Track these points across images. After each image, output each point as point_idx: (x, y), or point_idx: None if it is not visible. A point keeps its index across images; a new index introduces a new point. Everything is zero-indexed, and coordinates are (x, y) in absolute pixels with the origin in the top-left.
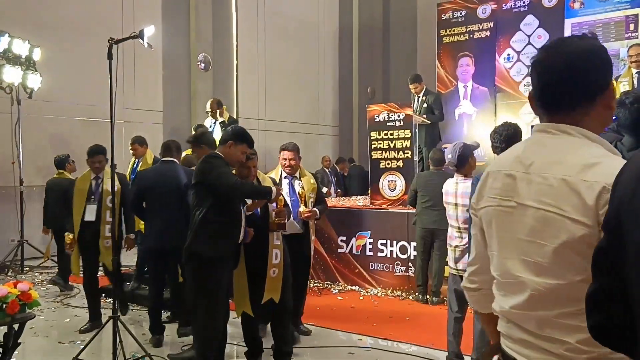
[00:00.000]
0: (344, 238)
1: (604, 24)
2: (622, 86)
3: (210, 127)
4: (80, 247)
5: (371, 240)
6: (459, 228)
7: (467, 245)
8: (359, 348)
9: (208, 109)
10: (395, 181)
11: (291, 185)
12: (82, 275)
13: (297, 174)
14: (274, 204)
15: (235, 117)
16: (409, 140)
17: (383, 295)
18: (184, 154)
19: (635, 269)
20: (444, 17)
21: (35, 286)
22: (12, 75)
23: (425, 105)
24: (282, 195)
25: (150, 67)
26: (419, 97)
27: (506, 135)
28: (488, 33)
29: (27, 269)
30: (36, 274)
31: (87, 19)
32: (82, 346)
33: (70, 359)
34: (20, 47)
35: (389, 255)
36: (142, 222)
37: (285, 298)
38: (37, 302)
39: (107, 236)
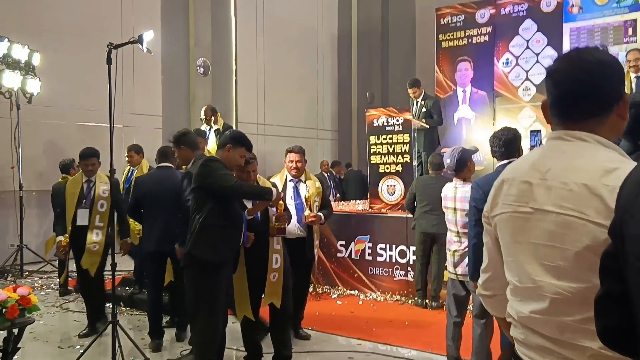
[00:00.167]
0: (343, 242)
1: (602, 29)
2: None
3: (205, 134)
4: (74, 252)
5: (370, 244)
6: (457, 232)
7: (466, 250)
8: (358, 353)
9: (202, 115)
10: (394, 185)
11: (296, 189)
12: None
13: (302, 178)
14: (274, 209)
15: (234, 120)
16: (408, 145)
17: (382, 300)
18: None
19: (635, 274)
20: (443, 22)
21: (35, 291)
22: (12, 80)
23: (424, 109)
24: (282, 199)
25: (149, 72)
26: (417, 101)
27: (505, 139)
28: (487, 37)
29: (27, 273)
30: (35, 278)
31: (87, 24)
32: (82, 351)
33: None
34: (20, 52)
35: (388, 259)
36: (138, 227)
37: (285, 303)
38: (36, 306)
39: (94, 241)
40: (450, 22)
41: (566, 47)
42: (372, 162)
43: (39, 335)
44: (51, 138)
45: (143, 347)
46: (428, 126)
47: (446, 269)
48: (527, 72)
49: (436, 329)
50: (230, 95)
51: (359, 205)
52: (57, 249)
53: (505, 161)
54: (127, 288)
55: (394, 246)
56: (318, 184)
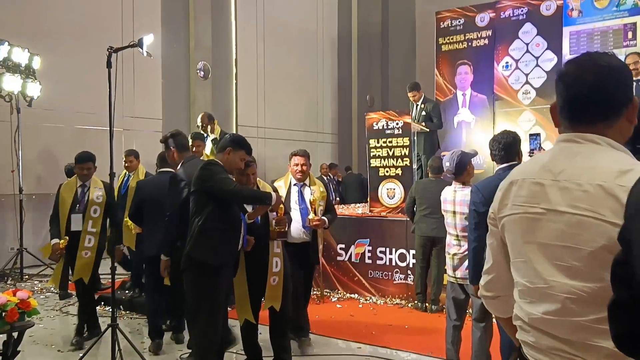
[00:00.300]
0: (343, 246)
1: (602, 32)
2: None
3: (203, 137)
4: (69, 257)
5: (370, 248)
6: (457, 236)
7: (465, 253)
8: (358, 356)
9: (199, 123)
10: (394, 189)
11: (300, 193)
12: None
13: (307, 182)
14: (275, 213)
15: (234, 124)
16: (408, 148)
17: (382, 303)
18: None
19: None
20: (443, 25)
21: (35, 294)
22: (12, 83)
23: (423, 113)
24: (283, 203)
25: (149, 75)
26: (417, 105)
27: (505, 143)
28: (486, 41)
29: (27, 277)
30: (35, 282)
31: (87, 28)
32: (81, 354)
33: None
34: (20, 56)
35: (388, 263)
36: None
37: (285, 307)
38: (36, 310)
39: (87, 247)
40: (450, 25)
41: (566, 50)
42: (372, 165)
43: (38, 338)
44: (51, 141)
45: (142, 351)
46: (428, 130)
47: (446, 273)
48: (526, 75)
49: (436, 333)
50: (230, 98)
51: (359, 209)
52: (53, 251)
53: (505, 165)
54: (127, 292)
55: (393, 249)
56: (322, 188)
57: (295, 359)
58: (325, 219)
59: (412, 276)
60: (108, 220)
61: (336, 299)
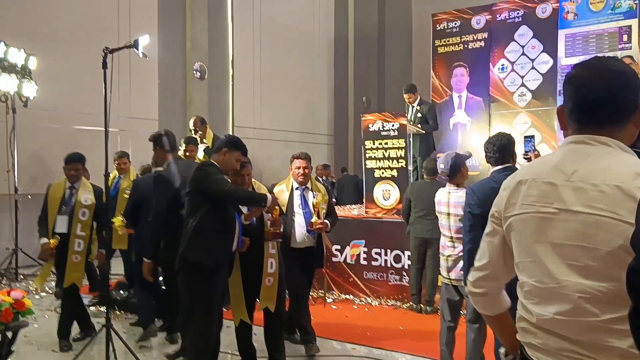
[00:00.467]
0: (339, 247)
1: (597, 35)
2: None
3: (197, 142)
4: (58, 259)
5: (365, 249)
6: (451, 237)
7: (459, 255)
8: (353, 357)
9: (191, 126)
10: (390, 190)
11: (303, 197)
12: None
13: (309, 185)
14: (270, 214)
15: (231, 125)
16: (404, 150)
17: (377, 305)
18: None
19: None
20: (439, 28)
21: (29, 294)
22: (8, 83)
23: (419, 114)
24: (278, 204)
25: (146, 76)
26: (413, 106)
27: (499, 145)
28: (482, 43)
29: (22, 277)
30: (30, 282)
31: (83, 28)
32: (76, 354)
33: None
34: (16, 56)
35: (383, 264)
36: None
37: (280, 307)
38: (30, 310)
39: (77, 251)
40: (446, 27)
41: (561, 53)
42: (367, 166)
43: (33, 339)
44: (47, 142)
45: (137, 351)
46: (423, 131)
47: (440, 274)
48: (522, 77)
49: (430, 334)
50: (227, 99)
51: (354, 210)
52: (43, 251)
53: (500, 167)
54: (122, 292)
55: (388, 251)
56: (324, 190)
57: (289, 359)
58: (328, 222)
59: (407, 277)
60: (95, 224)
61: (331, 300)
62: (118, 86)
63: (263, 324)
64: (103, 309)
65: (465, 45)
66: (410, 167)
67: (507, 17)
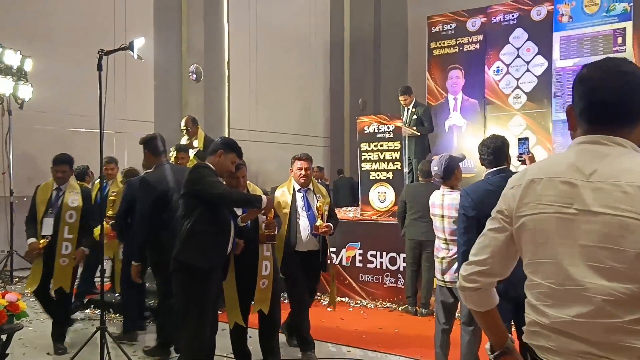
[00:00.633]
0: (334, 249)
1: (592, 38)
2: None
3: (188, 150)
4: (46, 261)
5: (361, 251)
6: (445, 240)
7: (453, 257)
8: (348, 359)
9: (183, 126)
10: (385, 192)
11: (306, 199)
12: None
13: (311, 186)
14: (265, 216)
15: (227, 127)
16: (399, 152)
17: (372, 307)
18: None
19: None
20: (434, 30)
21: (24, 297)
22: (4, 85)
23: (414, 117)
24: (274, 207)
25: (141, 78)
26: (408, 109)
27: (494, 147)
28: (478, 46)
29: (17, 279)
30: (25, 284)
31: (79, 30)
32: (70, 357)
33: None
34: (12, 58)
35: (378, 266)
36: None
37: (274, 310)
38: (24, 312)
39: (64, 254)
40: (441, 30)
41: (556, 55)
42: (363, 169)
43: (27, 341)
44: (43, 144)
45: (132, 354)
46: (419, 133)
47: (435, 276)
48: (517, 80)
49: (426, 336)
50: (223, 101)
51: (349, 212)
52: (31, 250)
53: (494, 169)
54: (117, 294)
55: (384, 253)
56: (325, 192)
57: None
58: (331, 225)
59: (402, 280)
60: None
61: (326, 302)
62: (114, 88)
63: (258, 327)
64: (97, 311)
65: (461, 48)
66: (406, 170)
67: (502, 20)
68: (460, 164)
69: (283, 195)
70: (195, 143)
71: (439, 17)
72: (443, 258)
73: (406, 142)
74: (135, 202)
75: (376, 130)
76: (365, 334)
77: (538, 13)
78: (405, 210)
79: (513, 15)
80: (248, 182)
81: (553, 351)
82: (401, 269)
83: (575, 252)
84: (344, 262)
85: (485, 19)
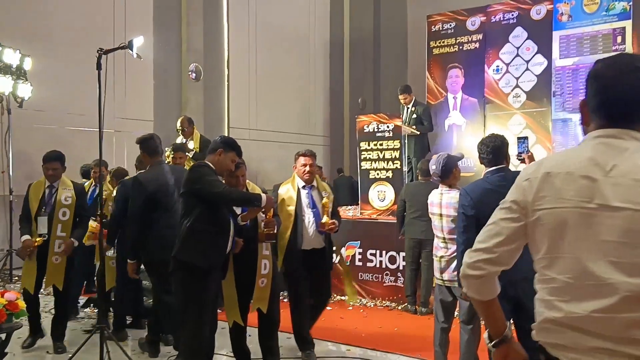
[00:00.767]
0: (334, 248)
1: (591, 37)
2: None
3: (186, 150)
4: (39, 260)
5: (360, 250)
6: (444, 238)
7: (452, 256)
8: (348, 358)
9: (178, 126)
10: (385, 191)
11: (311, 196)
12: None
13: (315, 183)
14: (264, 215)
15: (226, 126)
16: (399, 151)
17: (372, 306)
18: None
19: None
20: (434, 29)
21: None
22: (3, 84)
23: (414, 116)
24: (270, 205)
25: (141, 77)
26: (408, 107)
27: (493, 146)
28: (477, 45)
29: (16, 278)
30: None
31: (79, 29)
32: (69, 356)
33: None
34: (11, 57)
35: (378, 265)
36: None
37: (273, 309)
38: (23, 311)
39: (57, 252)
40: (441, 29)
41: (555, 54)
42: (362, 168)
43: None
44: (42, 143)
45: (131, 354)
46: (418, 132)
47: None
48: (517, 79)
49: (425, 335)
50: (222, 100)
51: (349, 211)
52: (25, 247)
53: (493, 168)
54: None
55: (384, 252)
56: (329, 189)
57: None
58: (336, 222)
59: (402, 278)
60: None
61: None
62: (113, 87)
63: (257, 326)
64: (97, 310)
65: (460, 47)
66: (405, 168)
67: (501, 19)
68: (459, 163)
69: (288, 192)
70: (191, 144)
71: (439, 16)
72: (442, 257)
73: (406, 141)
74: (127, 203)
75: (376, 129)
76: (364, 332)
77: (538, 12)
78: (404, 209)
79: (513, 14)
80: (247, 181)
81: (567, 348)
82: (401, 267)
83: (595, 248)
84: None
85: (484, 18)
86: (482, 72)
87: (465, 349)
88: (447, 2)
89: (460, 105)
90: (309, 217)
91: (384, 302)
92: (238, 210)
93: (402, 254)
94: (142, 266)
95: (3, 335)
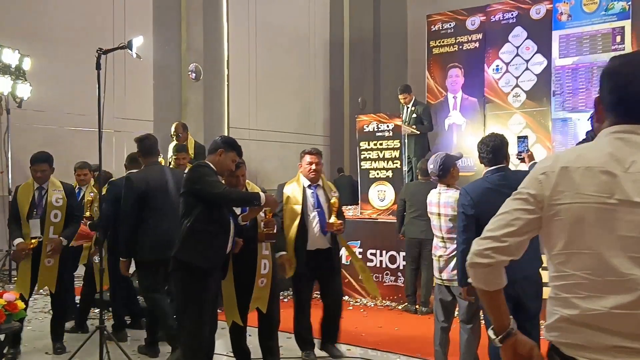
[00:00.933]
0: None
1: (591, 36)
2: None
3: (173, 154)
4: (34, 263)
5: (361, 250)
6: (442, 238)
7: (450, 255)
8: (348, 358)
9: (173, 132)
10: (385, 191)
11: (316, 195)
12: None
13: (320, 183)
14: (263, 214)
15: (226, 126)
16: (398, 151)
17: (372, 305)
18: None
19: None
20: (434, 29)
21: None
22: (2, 84)
23: (414, 115)
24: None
25: (140, 76)
26: (408, 107)
27: (493, 145)
28: (477, 44)
29: (15, 279)
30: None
31: (78, 29)
32: (69, 357)
33: None
34: (10, 57)
35: (378, 265)
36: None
37: (273, 309)
38: (23, 312)
39: (48, 254)
40: (441, 29)
41: (555, 54)
42: (362, 167)
43: (26, 341)
44: (41, 143)
45: (131, 354)
46: (418, 132)
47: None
48: (517, 78)
49: (425, 335)
50: (222, 100)
51: (349, 211)
52: (20, 250)
53: (493, 167)
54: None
55: (384, 251)
56: (335, 189)
57: None
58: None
59: (402, 278)
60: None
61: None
62: (113, 87)
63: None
64: (96, 310)
65: (460, 46)
66: (405, 168)
67: (501, 18)
68: (459, 162)
69: (293, 191)
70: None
71: (439, 16)
72: (440, 256)
73: (406, 140)
74: (118, 202)
75: (376, 129)
76: (365, 332)
77: (537, 12)
78: (404, 208)
79: (512, 14)
80: (247, 181)
81: (583, 347)
82: (401, 267)
83: (615, 243)
84: (343, 261)
85: (484, 17)
86: (481, 72)
87: (465, 349)
88: (446, 1)
89: (460, 105)
90: (313, 217)
91: (384, 301)
92: (238, 211)
93: (402, 253)
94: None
95: (2, 336)
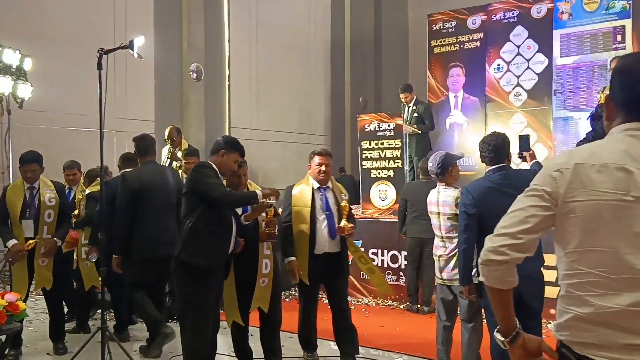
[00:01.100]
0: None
1: (591, 35)
2: None
3: (167, 158)
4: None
5: (362, 249)
6: (442, 237)
7: (450, 255)
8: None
9: (167, 136)
10: (386, 190)
11: (325, 198)
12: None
13: (330, 185)
14: (265, 214)
15: (227, 126)
16: (400, 150)
17: (374, 305)
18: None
19: None
20: (435, 28)
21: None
22: (3, 85)
23: (415, 114)
24: (268, 199)
25: (142, 77)
26: (409, 106)
27: (494, 145)
28: (478, 44)
29: None
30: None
31: (79, 29)
32: (71, 358)
33: None
34: (11, 57)
35: (380, 264)
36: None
37: (274, 309)
38: (24, 312)
39: (43, 254)
40: (442, 28)
41: (556, 53)
42: (364, 167)
43: (27, 341)
44: (42, 143)
45: (132, 354)
46: (419, 131)
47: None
48: (518, 77)
49: (427, 334)
50: (223, 100)
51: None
52: (15, 252)
53: (495, 166)
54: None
55: (385, 251)
56: (345, 191)
57: None
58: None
59: (404, 277)
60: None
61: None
62: (114, 87)
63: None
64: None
65: (461, 46)
66: (407, 168)
67: (502, 18)
68: (460, 161)
69: (302, 193)
70: (180, 154)
71: (440, 15)
72: (440, 256)
73: (407, 140)
74: (113, 201)
75: (377, 129)
76: (367, 332)
77: (538, 11)
78: (406, 208)
79: (513, 13)
80: (249, 181)
81: (597, 346)
82: (402, 266)
83: (632, 240)
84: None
85: (485, 16)
86: (483, 71)
87: (467, 347)
88: (447, 1)
89: (461, 104)
90: (324, 220)
91: (386, 301)
92: (240, 210)
93: (404, 253)
94: None
95: (3, 337)
